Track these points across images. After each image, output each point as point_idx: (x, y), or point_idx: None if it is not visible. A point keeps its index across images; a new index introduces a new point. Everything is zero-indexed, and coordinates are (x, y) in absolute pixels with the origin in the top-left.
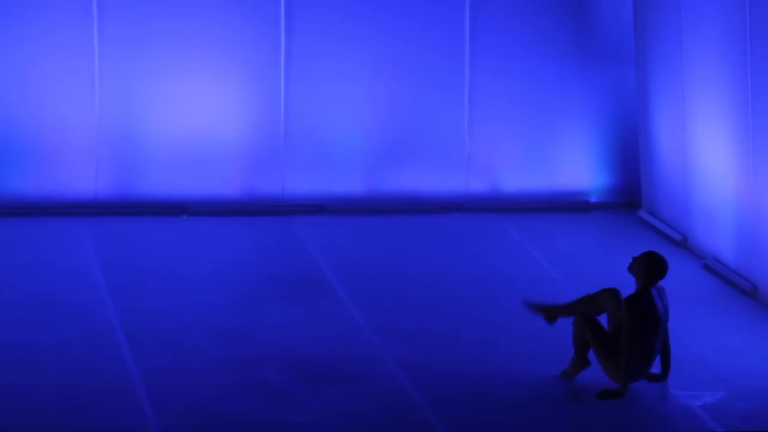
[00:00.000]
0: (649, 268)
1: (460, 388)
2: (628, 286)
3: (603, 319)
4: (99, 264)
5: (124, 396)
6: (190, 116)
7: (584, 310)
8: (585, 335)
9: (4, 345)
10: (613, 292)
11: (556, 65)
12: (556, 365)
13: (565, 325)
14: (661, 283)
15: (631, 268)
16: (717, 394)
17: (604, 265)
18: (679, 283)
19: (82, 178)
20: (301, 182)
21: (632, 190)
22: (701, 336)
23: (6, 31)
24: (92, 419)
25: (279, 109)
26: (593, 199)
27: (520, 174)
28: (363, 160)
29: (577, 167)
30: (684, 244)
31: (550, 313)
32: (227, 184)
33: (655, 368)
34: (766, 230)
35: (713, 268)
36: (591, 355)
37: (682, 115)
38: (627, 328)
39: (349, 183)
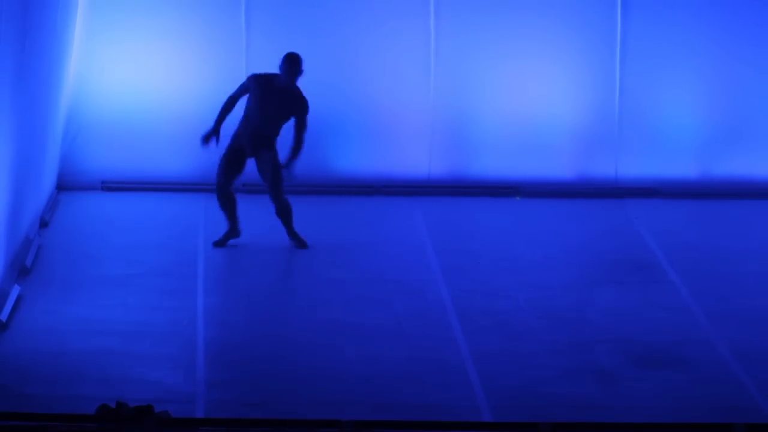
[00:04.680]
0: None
1: None
2: None
3: None
4: (431, 244)
5: (455, 375)
6: (525, 98)
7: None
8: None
9: (339, 323)
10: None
11: None
12: None
13: None
14: None
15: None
16: None
17: None
18: None
19: (416, 158)
20: (635, 166)
21: None
22: None
23: (344, 14)
24: (422, 398)
25: (614, 93)
26: None
27: None
28: (697, 144)
29: None
30: None
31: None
32: (560, 166)
33: None
34: None
35: None
36: None
37: None
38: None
39: (682, 167)
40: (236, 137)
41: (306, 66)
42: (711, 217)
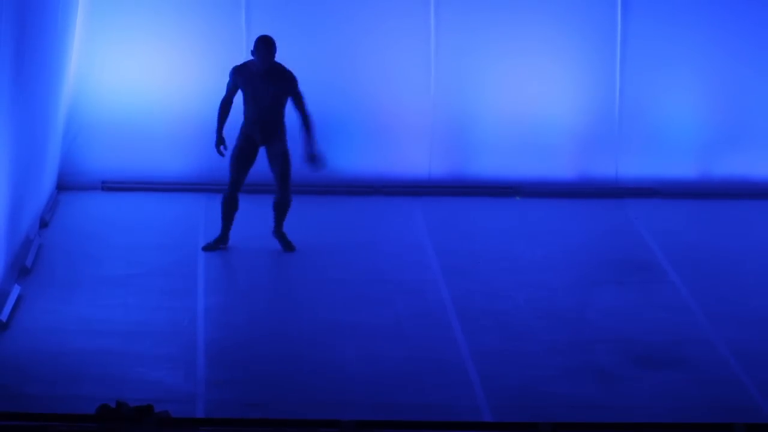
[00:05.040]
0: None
1: None
2: None
3: None
4: (431, 244)
5: (455, 375)
6: (525, 98)
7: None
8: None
9: (339, 323)
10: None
11: None
12: None
13: None
14: None
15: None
16: None
17: None
18: None
19: (416, 158)
20: (635, 166)
21: None
22: None
23: (344, 13)
24: (422, 397)
25: (614, 93)
26: None
27: None
28: (697, 144)
29: None
30: None
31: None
32: (561, 166)
33: None
34: None
35: None
36: None
37: None
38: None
39: (682, 167)
40: (242, 132)
41: (306, 66)
42: (711, 217)
